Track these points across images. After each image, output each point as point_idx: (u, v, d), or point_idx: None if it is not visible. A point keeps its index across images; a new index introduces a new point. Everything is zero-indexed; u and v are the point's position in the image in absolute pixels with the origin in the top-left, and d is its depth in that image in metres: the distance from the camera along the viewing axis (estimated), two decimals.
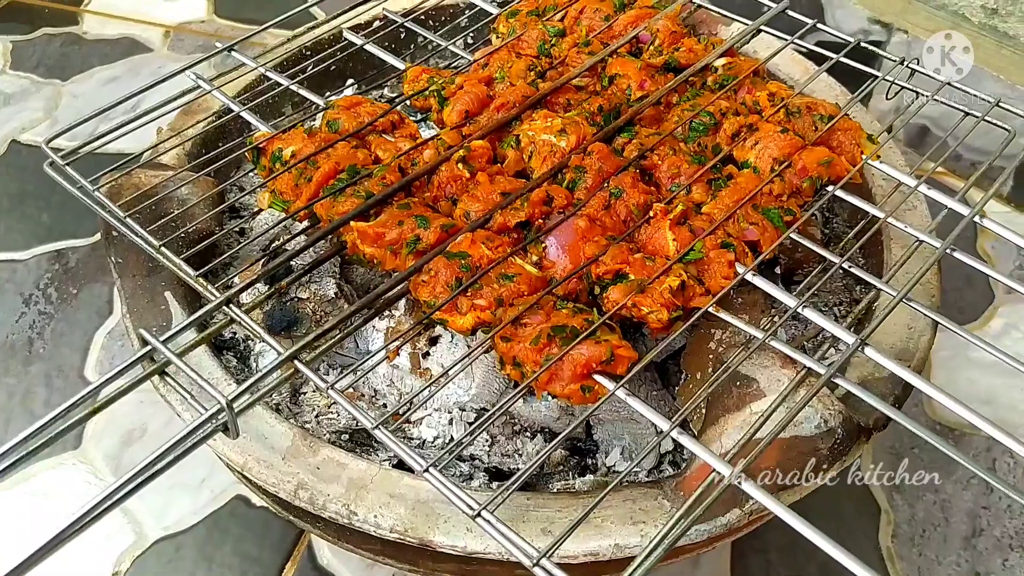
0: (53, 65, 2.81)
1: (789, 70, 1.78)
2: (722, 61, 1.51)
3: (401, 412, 1.21)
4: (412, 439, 1.33)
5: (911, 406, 2.05)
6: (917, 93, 1.52)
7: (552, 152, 1.35)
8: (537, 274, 1.20)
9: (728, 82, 1.47)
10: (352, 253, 1.26)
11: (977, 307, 2.25)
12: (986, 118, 1.47)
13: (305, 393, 1.37)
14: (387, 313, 1.40)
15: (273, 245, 1.40)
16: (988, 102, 1.46)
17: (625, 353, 1.11)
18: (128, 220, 1.25)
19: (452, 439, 1.34)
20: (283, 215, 1.32)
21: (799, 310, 1.18)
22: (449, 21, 1.92)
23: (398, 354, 1.22)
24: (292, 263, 1.33)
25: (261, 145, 1.37)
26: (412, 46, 1.92)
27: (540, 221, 1.26)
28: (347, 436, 1.34)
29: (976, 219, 1.31)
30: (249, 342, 1.42)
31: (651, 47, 1.53)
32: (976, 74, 2.36)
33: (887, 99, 1.55)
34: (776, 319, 1.35)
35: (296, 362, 1.10)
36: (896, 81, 1.53)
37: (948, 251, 1.26)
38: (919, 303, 1.21)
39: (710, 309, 1.18)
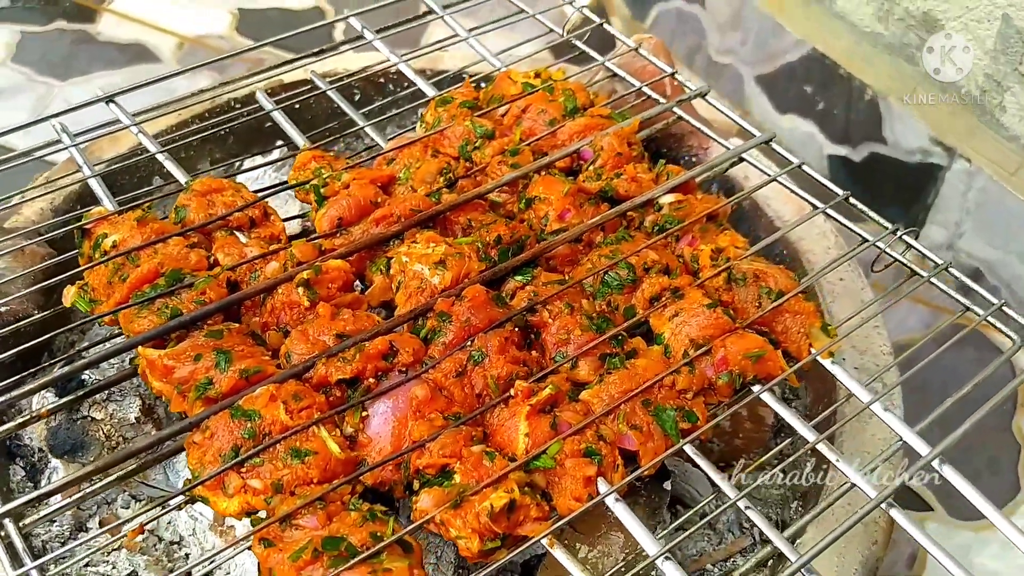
0: (57, 63, 2.68)
1: (779, 208, 1.48)
2: (670, 198, 1.22)
3: None
4: None
5: None
6: (912, 271, 1.21)
7: (420, 288, 1.09)
8: (339, 456, 0.94)
9: (671, 225, 1.19)
10: (144, 381, 1.03)
11: (996, 500, 1.87)
12: (988, 319, 1.16)
13: (90, 529, 1.15)
14: None
15: (84, 346, 1.18)
16: (990, 302, 1.15)
17: None
18: None
19: None
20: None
21: (658, 562, 0.90)
22: (399, 91, 1.68)
23: (141, 531, 0.99)
24: (85, 376, 1.11)
25: (88, 226, 1.15)
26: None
27: (371, 380, 1.01)
28: None
29: (936, 464, 1.00)
30: (45, 452, 1.20)
31: (591, 167, 1.26)
32: None
33: (872, 271, 1.24)
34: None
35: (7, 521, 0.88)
36: (887, 251, 1.22)
37: (885, 506, 0.96)
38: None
39: (544, 542, 0.91)
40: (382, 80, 1.69)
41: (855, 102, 2.31)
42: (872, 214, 1.24)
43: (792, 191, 1.29)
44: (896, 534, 1.72)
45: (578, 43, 1.52)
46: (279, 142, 1.64)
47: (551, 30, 1.55)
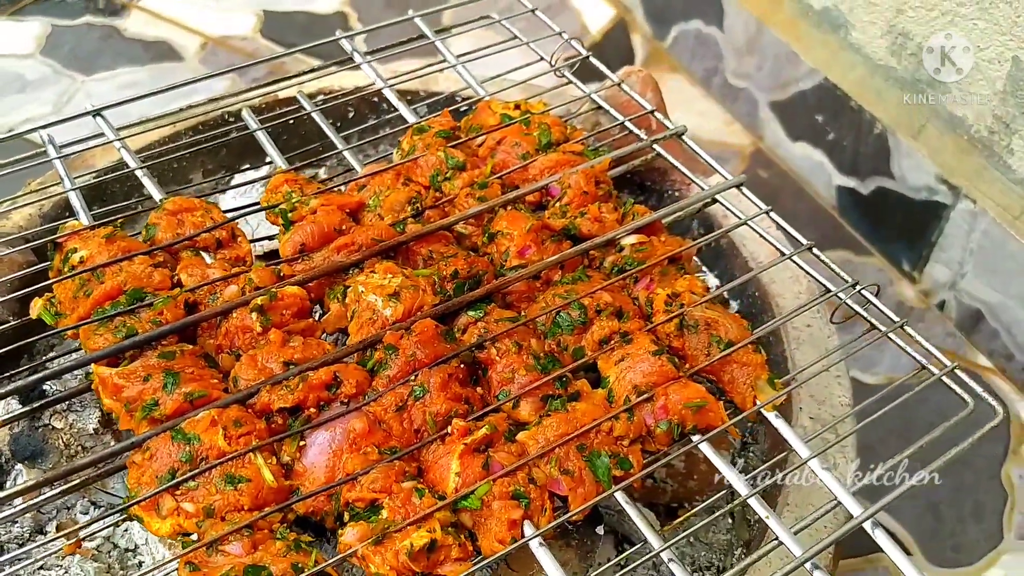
0: (83, 57, 2.74)
1: (754, 249, 1.48)
2: (632, 239, 1.23)
3: None
4: None
5: None
6: (872, 325, 1.20)
7: (372, 319, 1.11)
8: (271, 484, 0.97)
9: (631, 267, 1.20)
10: (98, 397, 1.07)
11: (977, 548, 1.87)
12: (944, 378, 1.14)
13: (48, 533, 1.18)
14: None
15: (50, 355, 1.22)
16: (943, 364, 1.14)
17: None
18: None
19: None
20: None
21: None
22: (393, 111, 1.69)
23: (79, 546, 1.02)
24: (47, 386, 1.14)
25: (61, 240, 1.19)
26: (352, 128, 1.71)
27: (312, 410, 1.03)
28: None
29: (869, 526, 1.00)
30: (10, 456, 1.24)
31: (557, 204, 1.27)
32: None
33: (831, 322, 1.23)
34: None
35: None
36: (847, 302, 1.21)
37: (809, 567, 0.96)
38: None
39: None
40: (376, 99, 1.71)
41: (864, 135, 2.29)
42: (833, 266, 1.23)
43: (762, 236, 1.29)
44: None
45: (567, 74, 1.53)
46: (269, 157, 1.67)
47: (541, 58, 1.56)
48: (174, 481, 0.95)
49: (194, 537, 0.95)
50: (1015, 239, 2.00)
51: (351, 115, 1.71)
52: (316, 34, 2.89)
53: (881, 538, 1.00)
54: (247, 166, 1.66)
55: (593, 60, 1.50)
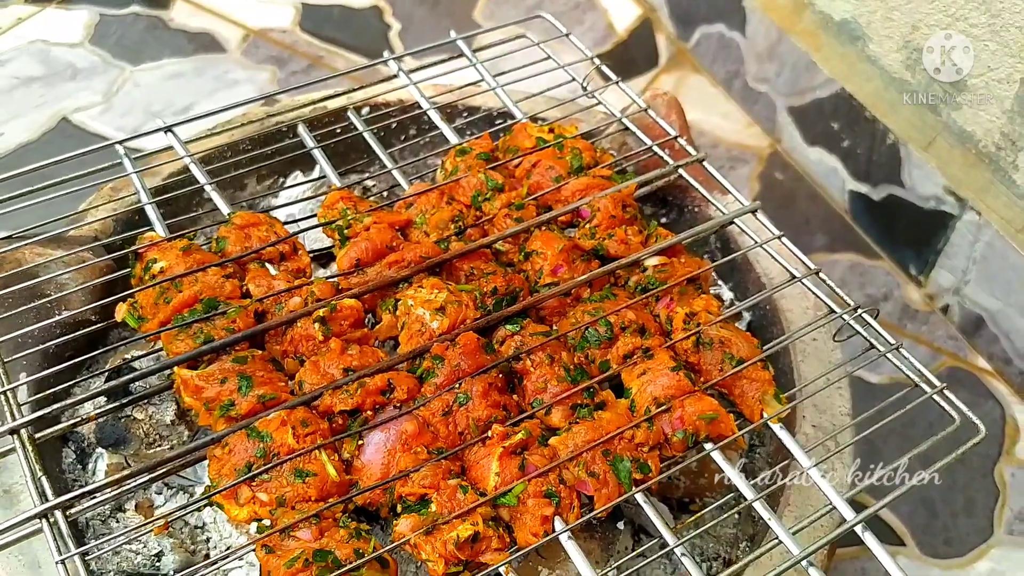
0: (130, 47, 2.86)
1: (767, 266, 1.59)
2: (655, 261, 1.36)
3: None
4: None
5: None
6: (871, 344, 1.33)
7: (420, 331, 1.24)
8: (334, 478, 1.11)
9: (653, 286, 1.33)
10: (178, 395, 1.20)
11: (968, 541, 2.00)
12: (933, 397, 1.27)
13: (127, 511, 1.33)
14: None
15: (132, 355, 1.36)
16: (934, 384, 1.26)
17: None
18: None
19: None
20: None
21: None
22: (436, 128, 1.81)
23: (167, 528, 1.16)
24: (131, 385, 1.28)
25: (141, 250, 1.32)
26: (395, 140, 1.83)
27: (369, 412, 1.17)
28: None
29: (859, 529, 1.13)
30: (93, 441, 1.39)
31: (586, 226, 1.39)
32: None
33: (835, 340, 1.36)
34: None
35: (45, 520, 1.06)
36: (850, 322, 1.34)
37: (805, 564, 1.10)
38: None
39: (501, 570, 1.06)
40: (417, 110, 1.83)
41: (877, 144, 2.40)
42: (837, 289, 1.35)
43: (774, 258, 1.40)
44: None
45: (597, 96, 1.65)
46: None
47: (573, 79, 1.67)
48: (251, 474, 1.09)
49: (267, 523, 1.09)
50: (1016, 251, 2.11)
51: (394, 125, 1.83)
52: (352, 28, 3.02)
53: (870, 540, 1.13)
54: (297, 172, 1.78)
55: (621, 86, 1.62)
